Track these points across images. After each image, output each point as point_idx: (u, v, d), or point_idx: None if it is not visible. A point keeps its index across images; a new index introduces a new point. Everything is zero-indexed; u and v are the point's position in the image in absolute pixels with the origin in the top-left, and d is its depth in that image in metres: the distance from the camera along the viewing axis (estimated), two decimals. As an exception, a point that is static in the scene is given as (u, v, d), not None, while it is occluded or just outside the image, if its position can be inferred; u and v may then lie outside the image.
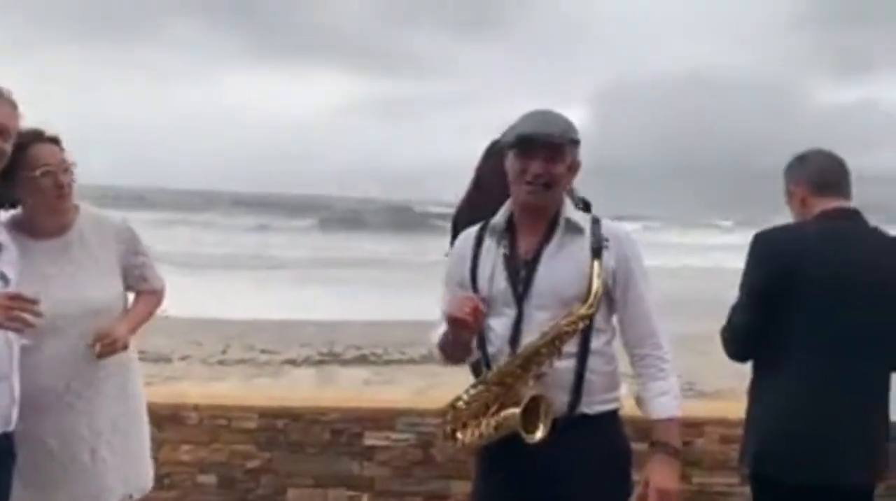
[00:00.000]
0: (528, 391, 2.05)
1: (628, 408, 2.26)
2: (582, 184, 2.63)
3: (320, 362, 9.35)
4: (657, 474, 2.11)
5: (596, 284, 2.05)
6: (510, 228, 2.20)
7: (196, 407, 3.93)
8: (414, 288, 16.83)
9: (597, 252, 2.08)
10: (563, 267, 2.12)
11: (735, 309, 2.54)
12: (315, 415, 3.95)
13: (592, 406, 2.13)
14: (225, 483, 3.91)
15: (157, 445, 3.89)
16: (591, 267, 2.07)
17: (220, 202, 54.29)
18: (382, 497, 3.93)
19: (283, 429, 3.93)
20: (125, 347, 2.51)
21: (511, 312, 2.14)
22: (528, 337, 2.10)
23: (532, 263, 2.13)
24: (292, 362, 9.30)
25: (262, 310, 12.79)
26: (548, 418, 2.04)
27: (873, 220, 2.59)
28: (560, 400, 2.09)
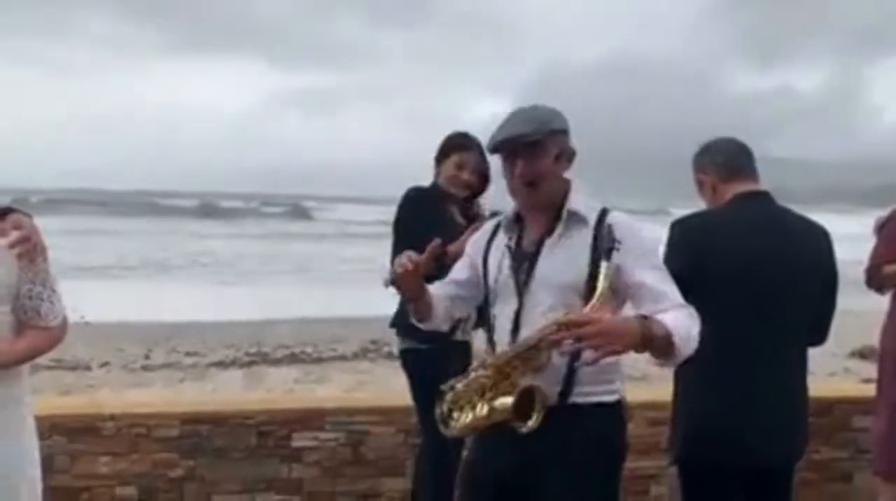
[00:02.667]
0: (524, 380, 2.08)
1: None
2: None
3: (249, 363, 9.11)
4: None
5: (602, 285, 2.00)
6: (519, 221, 2.26)
7: (113, 417, 3.76)
8: (342, 285, 16.70)
9: (608, 253, 2.02)
10: (560, 258, 2.15)
11: None
12: (240, 419, 3.83)
13: (584, 396, 2.13)
14: (146, 495, 3.75)
15: (71, 458, 3.72)
16: (600, 267, 2.02)
17: (139, 203, 52.77)
18: (312, 499, 3.84)
19: (206, 435, 3.80)
20: None
21: (514, 302, 2.18)
22: (528, 328, 2.12)
23: (534, 255, 2.18)
24: (219, 364, 9.03)
25: (186, 312, 12.46)
26: (542, 408, 2.06)
27: (786, 201, 2.64)
28: (552, 389, 2.10)
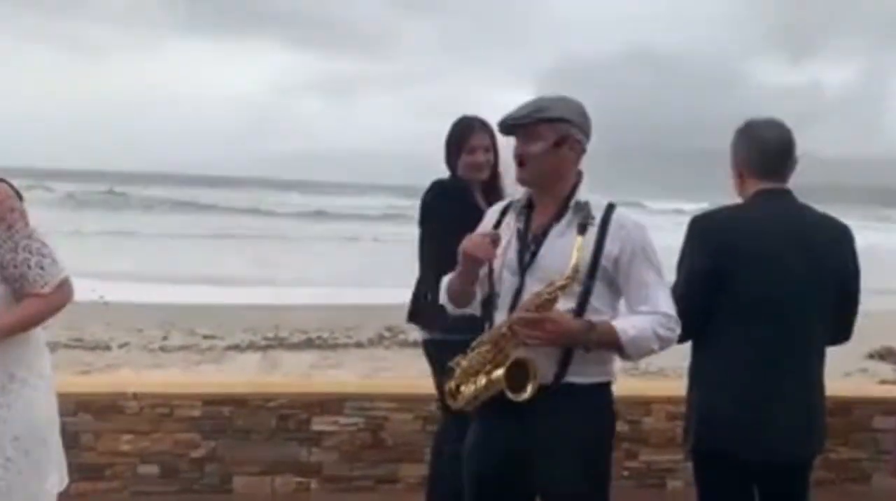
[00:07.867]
0: (516, 353, 2.20)
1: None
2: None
3: (265, 347, 9.19)
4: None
5: (575, 257, 2.16)
6: (529, 206, 2.35)
7: (136, 396, 3.82)
8: (358, 272, 16.77)
9: (582, 228, 2.19)
10: (567, 245, 2.22)
11: (673, 292, 2.56)
12: (261, 401, 3.88)
13: (580, 376, 2.24)
14: (168, 473, 3.82)
15: (95, 436, 3.79)
16: (574, 241, 2.18)
17: (155, 185, 53.03)
18: (331, 483, 3.89)
19: (228, 416, 3.85)
20: None
21: (515, 281, 2.29)
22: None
23: (540, 239, 2.29)
24: (236, 347, 9.11)
25: (203, 295, 12.55)
26: (536, 379, 2.17)
27: (811, 200, 2.64)
28: (548, 367, 2.21)
